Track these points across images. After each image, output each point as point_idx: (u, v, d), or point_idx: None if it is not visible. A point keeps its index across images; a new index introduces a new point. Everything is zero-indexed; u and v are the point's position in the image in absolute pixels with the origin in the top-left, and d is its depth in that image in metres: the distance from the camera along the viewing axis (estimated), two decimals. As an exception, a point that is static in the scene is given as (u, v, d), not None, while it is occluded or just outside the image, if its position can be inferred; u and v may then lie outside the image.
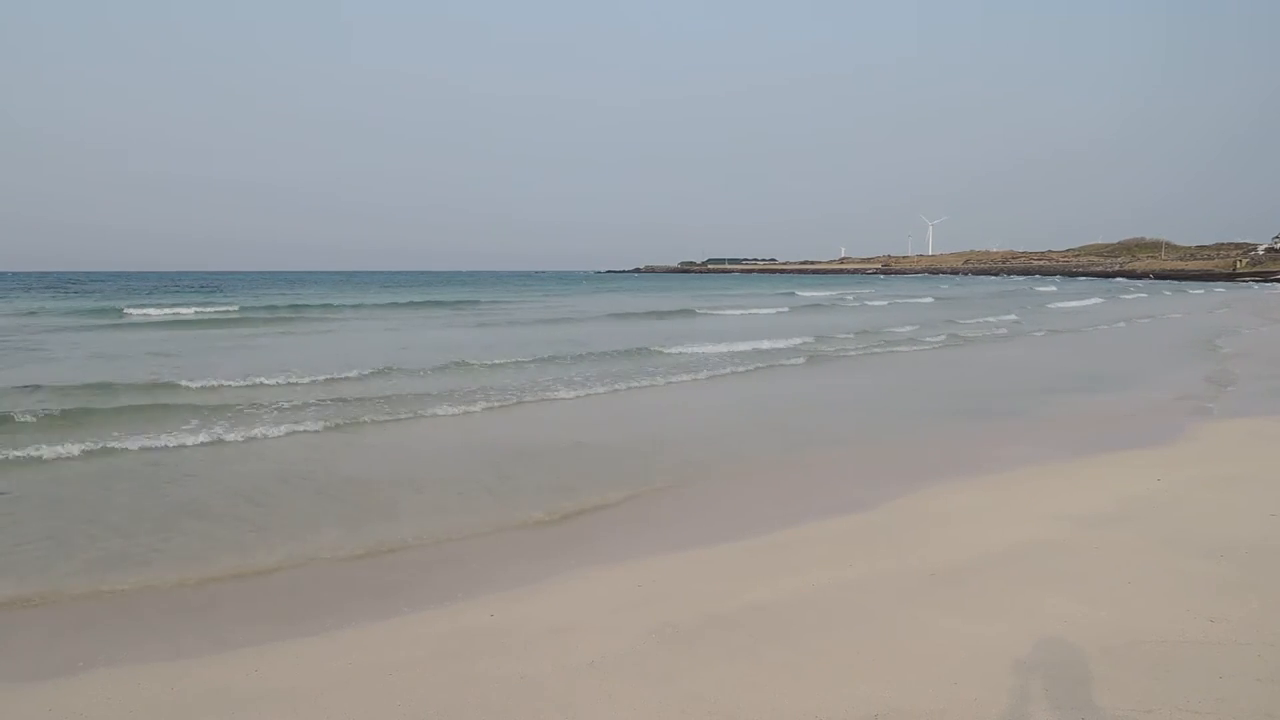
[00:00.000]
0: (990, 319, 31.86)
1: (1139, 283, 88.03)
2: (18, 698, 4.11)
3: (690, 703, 3.78)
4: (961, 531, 6.22)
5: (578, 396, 13.20)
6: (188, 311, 35.72)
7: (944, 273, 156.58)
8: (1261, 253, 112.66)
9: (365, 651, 4.48)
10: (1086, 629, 4.38)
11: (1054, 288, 74.39)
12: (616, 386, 14.09)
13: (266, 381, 13.76)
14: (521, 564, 5.90)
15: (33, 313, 35.44)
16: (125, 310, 35.66)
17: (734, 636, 4.48)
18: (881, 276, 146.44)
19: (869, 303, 47.94)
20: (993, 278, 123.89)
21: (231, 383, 13.49)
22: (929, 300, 50.77)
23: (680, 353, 19.24)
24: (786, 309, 41.79)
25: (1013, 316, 33.56)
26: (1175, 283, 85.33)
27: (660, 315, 35.58)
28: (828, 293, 64.63)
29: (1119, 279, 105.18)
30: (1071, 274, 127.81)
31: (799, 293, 64.15)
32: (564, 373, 15.70)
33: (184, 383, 13.30)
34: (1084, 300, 48.31)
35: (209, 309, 37.51)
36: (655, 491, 7.78)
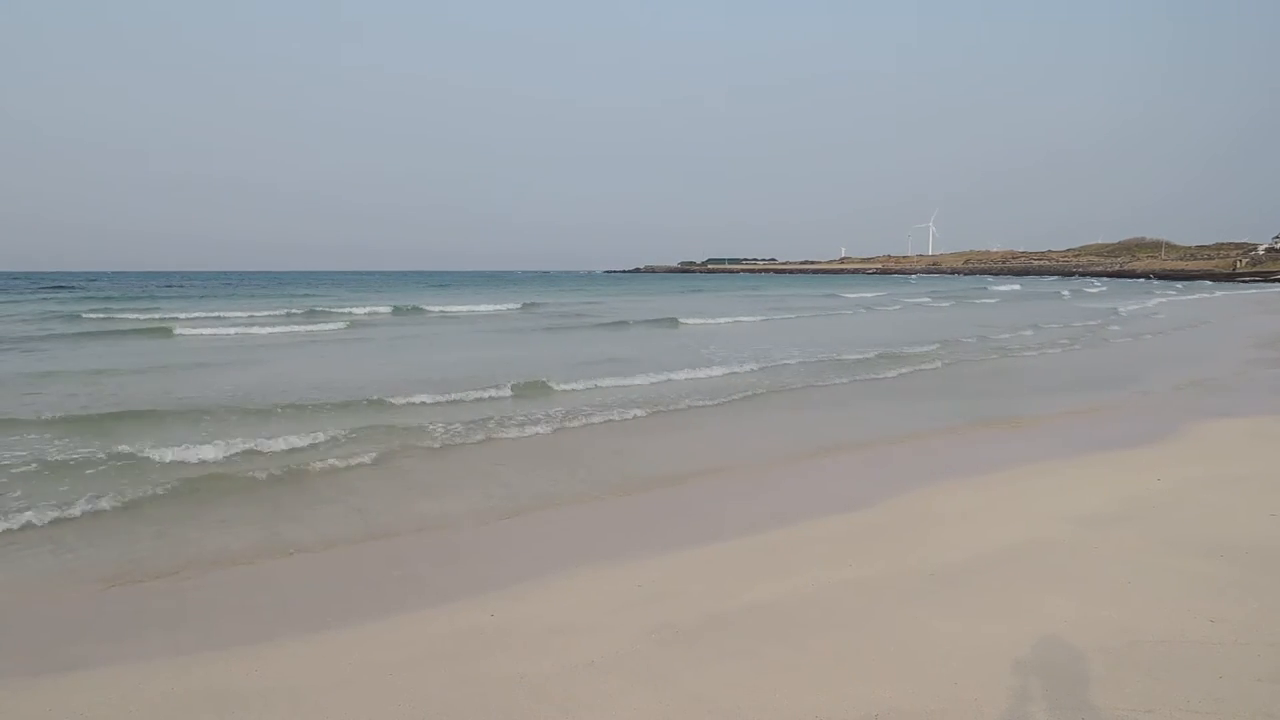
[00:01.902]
0: (1090, 322, 30.30)
1: (1206, 284, 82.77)
2: (18, 696, 4.11)
3: (690, 703, 3.78)
4: (961, 531, 6.22)
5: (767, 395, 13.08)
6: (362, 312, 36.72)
7: (944, 273, 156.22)
8: (1261, 253, 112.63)
9: (365, 651, 4.48)
10: (1086, 629, 4.39)
11: (1104, 288, 72.23)
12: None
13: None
14: (521, 563, 5.90)
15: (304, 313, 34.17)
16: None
17: (734, 636, 4.48)
18: (914, 277, 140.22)
19: (938, 304, 46.43)
20: (1021, 278, 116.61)
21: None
22: (994, 301, 49.04)
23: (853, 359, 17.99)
24: (863, 310, 40.61)
25: (1113, 320, 31.98)
26: (1231, 284, 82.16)
27: (736, 321, 32.56)
28: (874, 293, 62.38)
29: (1139, 279, 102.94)
30: (1070, 274, 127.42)
31: (843, 294, 60.36)
32: (735, 380, 15.05)
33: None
34: (1144, 302, 46.37)
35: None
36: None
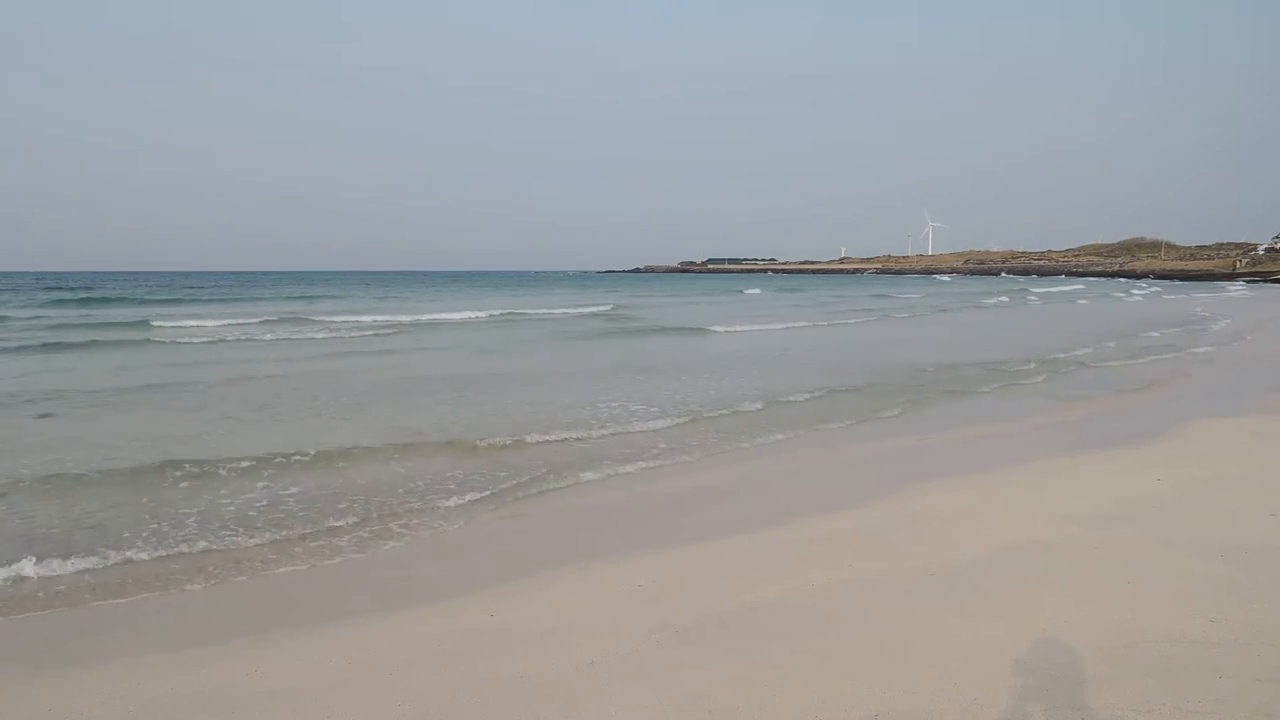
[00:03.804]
0: (1188, 323, 29.65)
1: (1241, 284, 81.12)
2: (17, 695, 4.11)
3: (690, 703, 3.78)
4: (961, 531, 6.22)
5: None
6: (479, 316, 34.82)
7: (944, 273, 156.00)
8: (1261, 253, 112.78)
9: (365, 651, 4.48)
10: (1086, 629, 4.38)
11: (1158, 288, 70.92)
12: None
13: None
14: (521, 563, 5.90)
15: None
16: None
17: (734, 636, 4.48)
18: (948, 277, 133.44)
19: (1016, 305, 45.64)
20: (1084, 278, 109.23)
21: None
22: (1049, 304, 47.11)
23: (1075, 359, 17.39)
24: (939, 312, 39.29)
25: (1208, 320, 31.18)
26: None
27: (832, 325, 30.90)
28: (919, 294, 61.23)
29: (1141, 280, 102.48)
30: (1073, 274, 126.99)
31: (893, 295, 58.00)
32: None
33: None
34: (1195, 299, 46.57)
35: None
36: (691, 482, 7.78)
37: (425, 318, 33.66)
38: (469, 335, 26.50)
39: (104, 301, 46.25)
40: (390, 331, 27.28)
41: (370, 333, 26.84)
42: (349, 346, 22.09)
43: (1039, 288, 75.42)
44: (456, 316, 34.77)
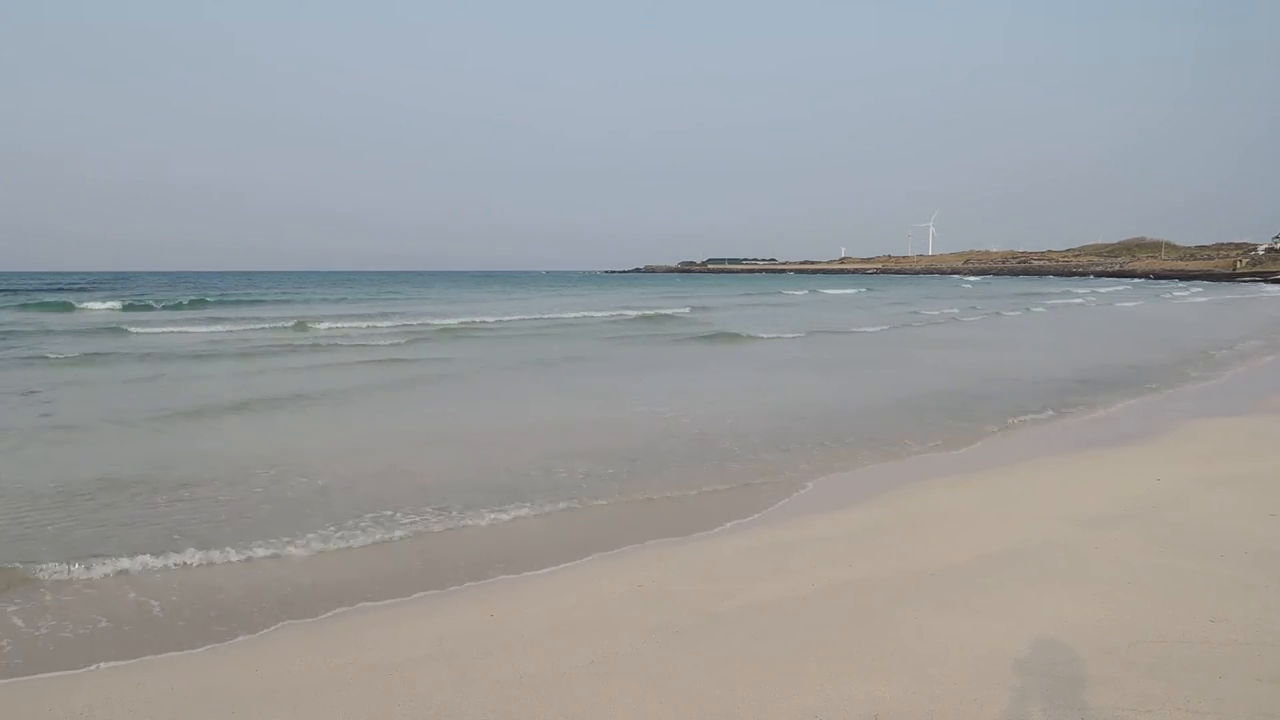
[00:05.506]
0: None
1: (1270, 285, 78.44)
2: (17, 696, 4.12)
3: (689, 703, 3.78)
4: (961, 531, 6.22)
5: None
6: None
7: (945, 273, 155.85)
8: (1261, 253, 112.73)
9: (365, 651, 4.48)
10: (1086, 629, 4.38)
11: (1198, 289, 69.63)
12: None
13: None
14: (521, 563, 5.90)
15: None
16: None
17: (733, 636, 4.48)
18: (971, 279, 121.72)
19: (1088, 303, 45.39)
20: (1129, 279, 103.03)
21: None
22: (1102, 306, 45.32)
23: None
24: (1016, 313, 37.66)
25: None
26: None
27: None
28: (958, 296, 59.91)
29: (1139, 279, 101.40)
30: (1071, 274, 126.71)
31: (940, 296, 56.65)
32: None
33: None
34: (1243, 300, 47.39)
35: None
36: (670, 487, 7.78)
37: (541, 317, 33.11)
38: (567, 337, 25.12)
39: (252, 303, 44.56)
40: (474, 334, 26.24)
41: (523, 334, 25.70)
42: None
43: (1081, 288, 72.39)
44: (511, 318, 33.10)
